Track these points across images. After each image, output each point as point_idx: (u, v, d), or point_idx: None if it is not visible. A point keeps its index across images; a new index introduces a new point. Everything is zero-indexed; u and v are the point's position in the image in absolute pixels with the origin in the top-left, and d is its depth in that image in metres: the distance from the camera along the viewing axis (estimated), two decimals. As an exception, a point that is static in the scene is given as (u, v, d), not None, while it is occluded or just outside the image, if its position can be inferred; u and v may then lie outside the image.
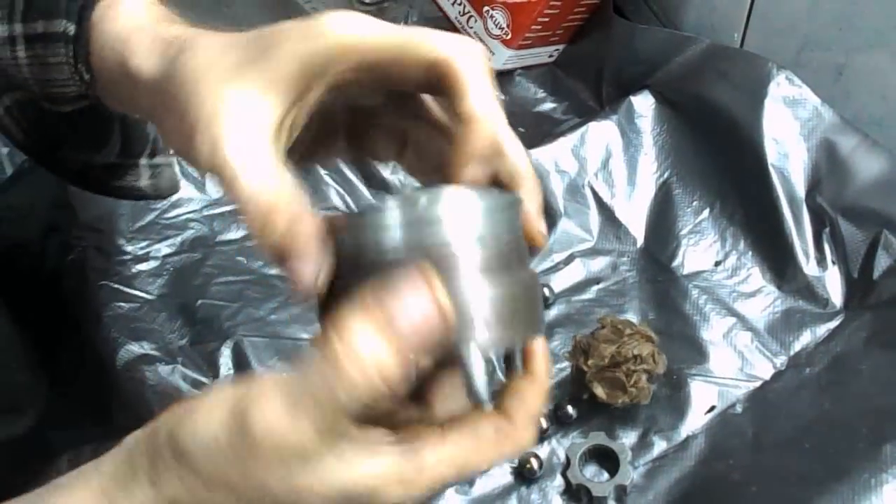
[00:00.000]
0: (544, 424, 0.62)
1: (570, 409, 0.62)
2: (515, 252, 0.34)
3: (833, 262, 0.66)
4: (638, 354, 0.60)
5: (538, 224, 0.36)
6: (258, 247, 0.33)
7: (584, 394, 0.62)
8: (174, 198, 0.74)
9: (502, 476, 0.60)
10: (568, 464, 0.59)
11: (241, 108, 0.32)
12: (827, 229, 0.67)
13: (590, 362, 0.61)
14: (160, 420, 0.32)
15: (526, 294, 0.33)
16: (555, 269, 0.72)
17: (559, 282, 0.71)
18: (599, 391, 0.60)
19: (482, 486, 0.59)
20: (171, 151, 0.38)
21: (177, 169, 0.46)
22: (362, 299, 0.28)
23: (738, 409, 0.61)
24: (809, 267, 0.67)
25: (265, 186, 0.32)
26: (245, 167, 0.32)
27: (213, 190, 0.75)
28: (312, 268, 0.32)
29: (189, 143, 0.33)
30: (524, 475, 0.60)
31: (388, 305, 0.28)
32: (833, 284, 0.66)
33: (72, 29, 0.38)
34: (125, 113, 0.43)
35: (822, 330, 0.64)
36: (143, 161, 0.44)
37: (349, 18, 0.34)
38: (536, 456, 0.60)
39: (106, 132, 0.42)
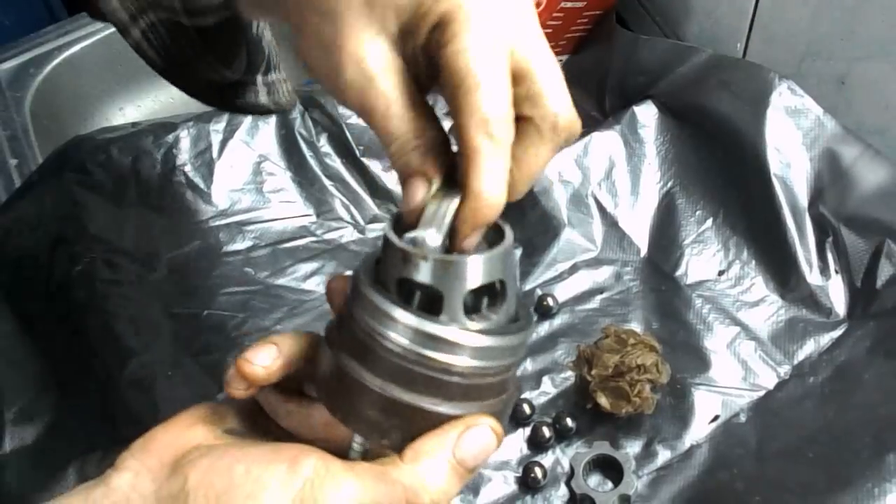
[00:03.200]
0: (547, 434, 0.62)
1: (569, 421, 0.62)
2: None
3: (836, 272, 0.66)
4: (641, 364, 0.60)
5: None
6: (402, 170, 0.36)
7: (587, 403, 0.62)
8: (181, 208, 0.75)
9: (506, 486, 0.60)
10: (572, 473, 0.60)
11: (383, 50, 0.34)
12: (830, 239, 0.67)
13: (593, 372, 0.61)
14: (183, 463, 0.34)
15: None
16: (559, 278, 0.72)
17: (563, 291, 0.72)
18: (603, 401, 0.60)
19: (486, 496, 0.60)
20: (302, 64, 0.39)
21: (290, 85, 0.47)
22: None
23: (742, 418, 0.62)
24: (812, 276, 0.67)
25: (410, 120, 0.35)
26: (394, 104, 0.34)
27: (219, 200, 0.76)
28: (419, 199, 0.35)
29: (335, 76, 0.35)
30: (528, 485, 0.60)
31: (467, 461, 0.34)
32: (836, 294, 0.66)
33: None
34: (265, 20, 0.44)
35: (826, 339, 0.64)
36: (259, 78, 0.45)
37: None
38: (541, 465, 0.60)
39: (236, 47, 0.43)
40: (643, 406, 0.60)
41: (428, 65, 0.35)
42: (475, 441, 0.34)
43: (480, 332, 0.34)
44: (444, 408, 0.34)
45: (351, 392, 0.34)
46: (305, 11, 0.35)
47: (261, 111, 0.48)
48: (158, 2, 0.40)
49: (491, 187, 0.33)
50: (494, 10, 0.34)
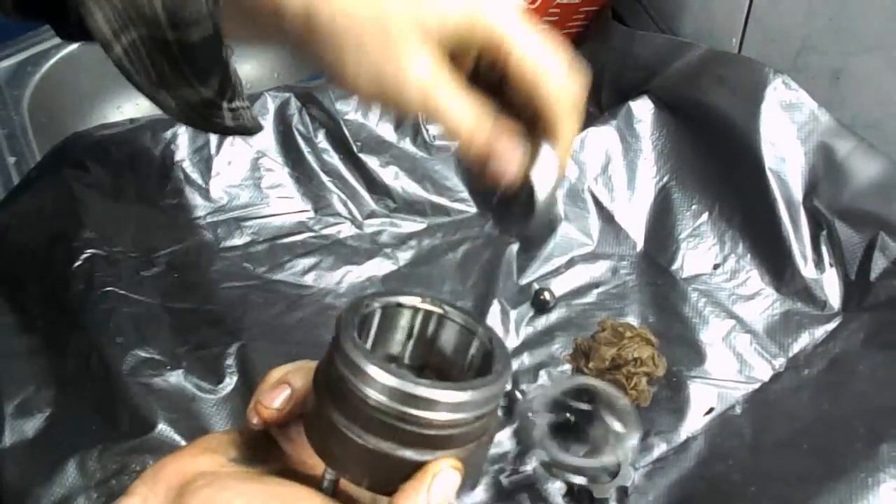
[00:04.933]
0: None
1: (567, 414, 0.62)
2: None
3: (831, 265, 0.67)
4: (638, 357, 0.61)
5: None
6: (467, 159, 0.44)
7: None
8: (179, 204, 0.75)
9: (504, 479, 0.60)
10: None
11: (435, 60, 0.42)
12: (824, 232, 0.67)
13: (590, 364, 0.61)
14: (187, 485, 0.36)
15: None
16: (556, 273, 0.73)
17: (560, 286, 0.72)
18: None
19: (483, 490, 0.60)
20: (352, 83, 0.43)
21: (252, 113, 0.49)
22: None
23: (738, 410, 0.62)
24: (807, 269, 0.67)
25: (469, 113, 0.43)
26: (454, 100, 0.42)
27: (218, 196, 0.76)
28: (515, 165, 0.44)
29: (392, 84, 0.42)
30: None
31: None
32: (831, 286, 0.66)
33: None
34: (252, 41, 0.47)
35: (821, 332, 0.65)
36: (225, 104, 0.46)
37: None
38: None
39: (214, 65, 0.44)
40: (640, 399, 0.61)
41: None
42: (445, 484, 0.35)
43: (458, 388, 0.34)
44: (418, 456, 0.34)
45: (327, 434, 0.35)
46: (350, 44, 0.42)
47: (229, 133, 0.49)
48: (143, 16, 0.41)
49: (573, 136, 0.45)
50: (512, 17, 0.43)
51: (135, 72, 0.43)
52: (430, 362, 0.40)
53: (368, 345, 0.39)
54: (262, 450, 0.40)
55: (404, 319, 0.39)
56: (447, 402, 0.33)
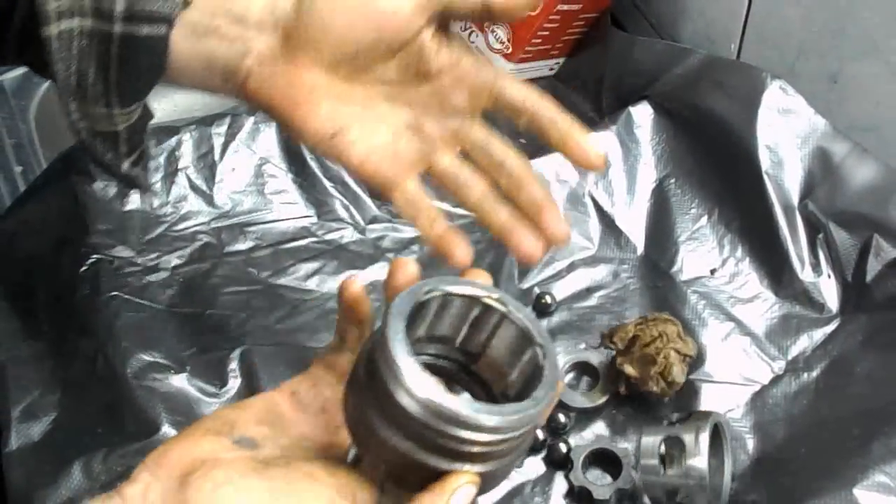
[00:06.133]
0: (540, 435, 0.62)
1: (561, 417, 0.63)
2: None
3: (828, 268, 0.67)
4: (663, 331, 0.61)
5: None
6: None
7: (619, 384, 0.63)
8: (183, 210, 0.76)
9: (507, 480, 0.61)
10: (572, 466, 0.60)
11: None
12: (821, 235, 0.68)
13: (615, 338, 0.61)
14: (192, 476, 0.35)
15: None
16: (557, 277, 0.73)
17: (561, 290, 0.73)
18: (630, 370, 0.61)
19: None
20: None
21: (146, 176, 0.49)
22: None
23: (737, 413, 0.62)
24: (805, 273, 0.68)
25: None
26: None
27: (222, 202, 0.77)
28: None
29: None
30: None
31: None
32: (828, 289, 0.67)
33: None
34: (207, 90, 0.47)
35: (819, 334, 0.65)
36: (125, 164, 0.46)
37: None
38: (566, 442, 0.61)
39: (142, 87, 0.44)
40: (672, 374, 0.60)
41: None
42: (463, 498, 0.35)
43: (492, 411, 0.34)
44: (441, 464, 0.34)
45: (356, 413, 0.35)
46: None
47: (118, 177, 0.47)
48: (97, 7, 0.40)
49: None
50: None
51: (59, 59, 0.41)
52: (481, 355, 0.40)
53: (424, 327, 0.38)
54: (270, 425, 0.40)
55: (465, 309, 0.39)
56: (479, 424, 0.33)
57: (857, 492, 0.50)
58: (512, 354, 0.39)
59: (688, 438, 0.52)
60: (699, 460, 0.52)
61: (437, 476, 0.34)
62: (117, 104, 0.43)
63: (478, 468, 0.35)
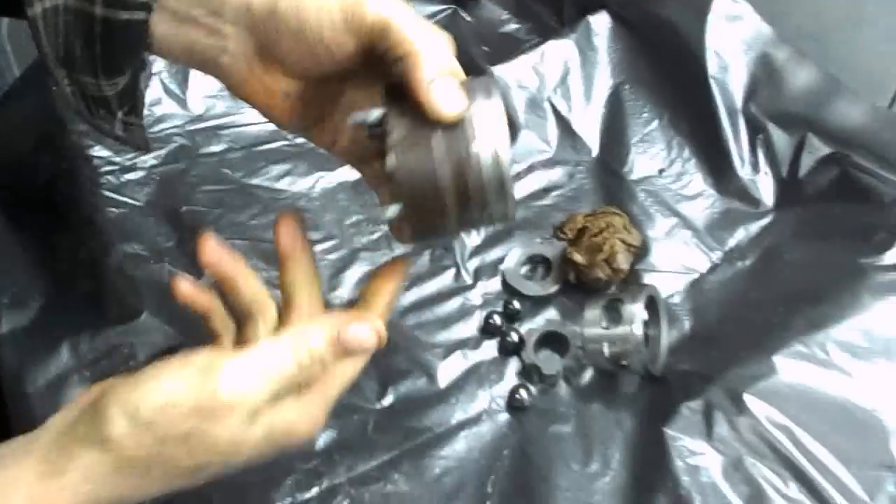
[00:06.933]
0: (498, 321, 0.67)
1: (515, 304, 0.68)
2: None
3: (765, 166, 0.72)
4: (609, 223, 0.66)
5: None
6: None
7: (569, 272, 0.67)
8: (158, 113, 0.79)
9: (465, 361, 0.66)
10: (524, 346, 0.65)
11: None
12: (761, 136, 0.72)
13: (565, 228, 0.66)
14: (99, 394, 0.41)
15: None
16: (515, 178, 0.77)
17: (519, 190, 0.76)
18: (578, 257, 0.66)
19: (446, 368, 0.65)
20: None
21: (146, 132, 0.51)
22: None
23: (677, 298, 0.68)
24: (744, 170, 0.72)
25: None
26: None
27: (195, 106, 0.80)
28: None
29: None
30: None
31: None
32: (765, 186, 0.72)
33: None
34: (190, 66, 0.48)
35: (755, 227, 0.71)
36: (120, 114, 0.48)
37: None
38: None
39: (127, 59, 0.45)
40: (615, 259, 0.65)
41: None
42: (359, 330, 0.43)
43: None
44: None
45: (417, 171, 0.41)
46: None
47: (113, 137, 0.49)
48: None
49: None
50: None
51: (45, 37, 0.43)
52: None
53: None
54: None
55: None
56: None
57: (776, 358, 0.55)
58: None
59: (626, 307, 0.58)
60: (636, 326, 0.57)
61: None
62: (104, 76, 0.45)
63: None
